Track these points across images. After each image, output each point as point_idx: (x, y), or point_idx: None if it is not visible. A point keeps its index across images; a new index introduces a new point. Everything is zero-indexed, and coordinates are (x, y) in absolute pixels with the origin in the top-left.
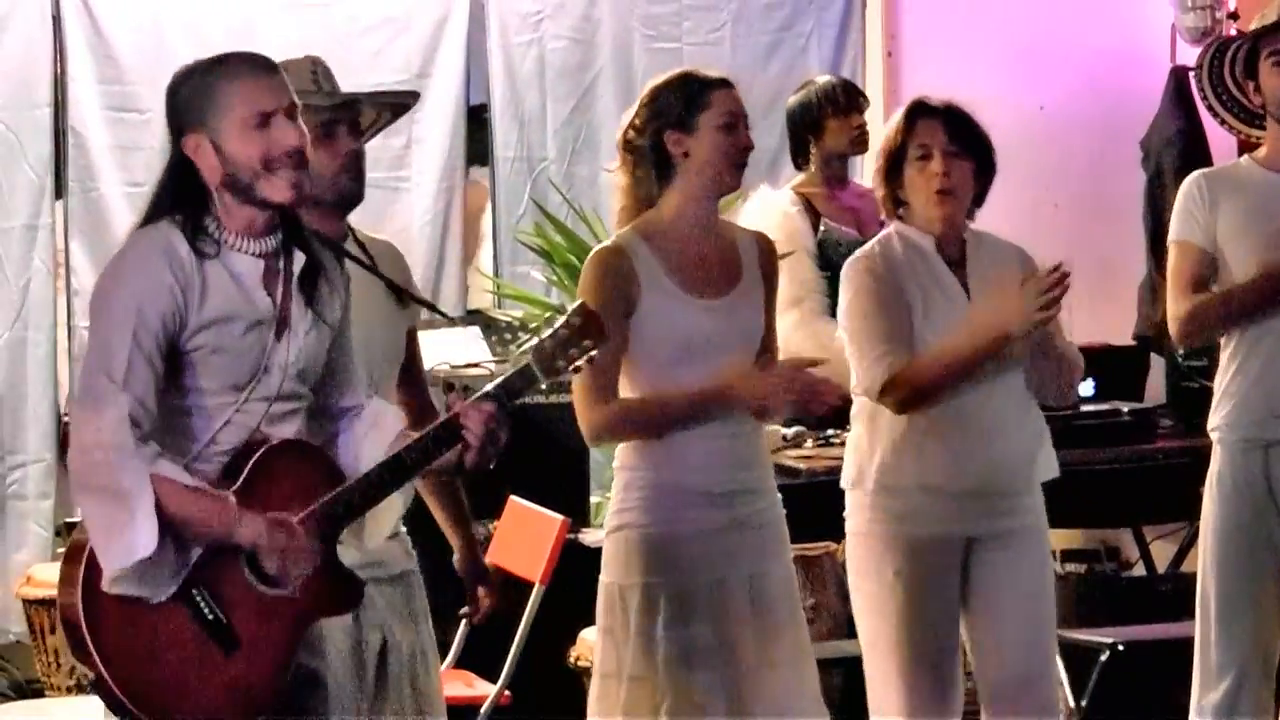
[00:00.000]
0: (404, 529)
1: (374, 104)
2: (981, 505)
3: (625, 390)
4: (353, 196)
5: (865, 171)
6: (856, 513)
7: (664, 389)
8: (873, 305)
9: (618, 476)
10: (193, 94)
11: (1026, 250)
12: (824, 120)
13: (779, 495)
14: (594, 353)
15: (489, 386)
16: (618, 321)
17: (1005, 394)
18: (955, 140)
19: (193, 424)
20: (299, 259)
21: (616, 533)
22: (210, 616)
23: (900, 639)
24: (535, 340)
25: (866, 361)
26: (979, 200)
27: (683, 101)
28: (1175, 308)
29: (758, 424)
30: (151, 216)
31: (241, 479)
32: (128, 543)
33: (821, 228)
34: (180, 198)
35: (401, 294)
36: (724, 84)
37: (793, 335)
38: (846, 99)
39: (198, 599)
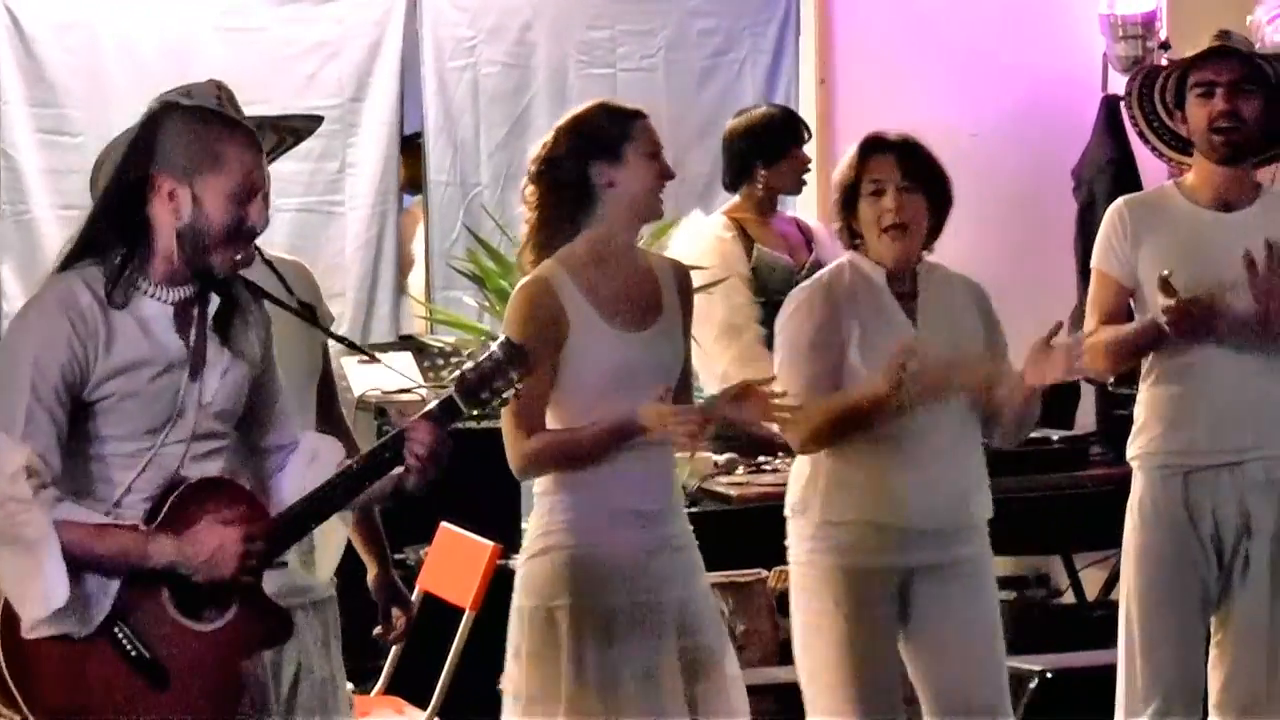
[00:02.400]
0: None
1: (275, 128)
2: (921, 539)
3: (553, 421)
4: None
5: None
6: (798, 542)
7: (591, 420)
8: (802, 341)
9: (540, 501)
10: (186, 139)
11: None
12: (782, 152)
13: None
14: (518, 385)
15: (417, 417)
16: (545, 355)
17: (948, 429)
18: (908, 175)
19: (110, 471)
20: (214, 299)
21: (542, 555)
22: (134, 653)
23: (839, 669)
24: (462, 371)
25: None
26: (935, 232)
27: (609, 132)
28: (1088, 333)
29: (672, 447)
30: (71, 259)
31: (160, 518)
32: (40, 593)
33: (755, 253)
34: (111, 233)
35: (313, 311)
36: (642, 115)
37: (732, 370)
38: (801, 135)
39: (120, 636)
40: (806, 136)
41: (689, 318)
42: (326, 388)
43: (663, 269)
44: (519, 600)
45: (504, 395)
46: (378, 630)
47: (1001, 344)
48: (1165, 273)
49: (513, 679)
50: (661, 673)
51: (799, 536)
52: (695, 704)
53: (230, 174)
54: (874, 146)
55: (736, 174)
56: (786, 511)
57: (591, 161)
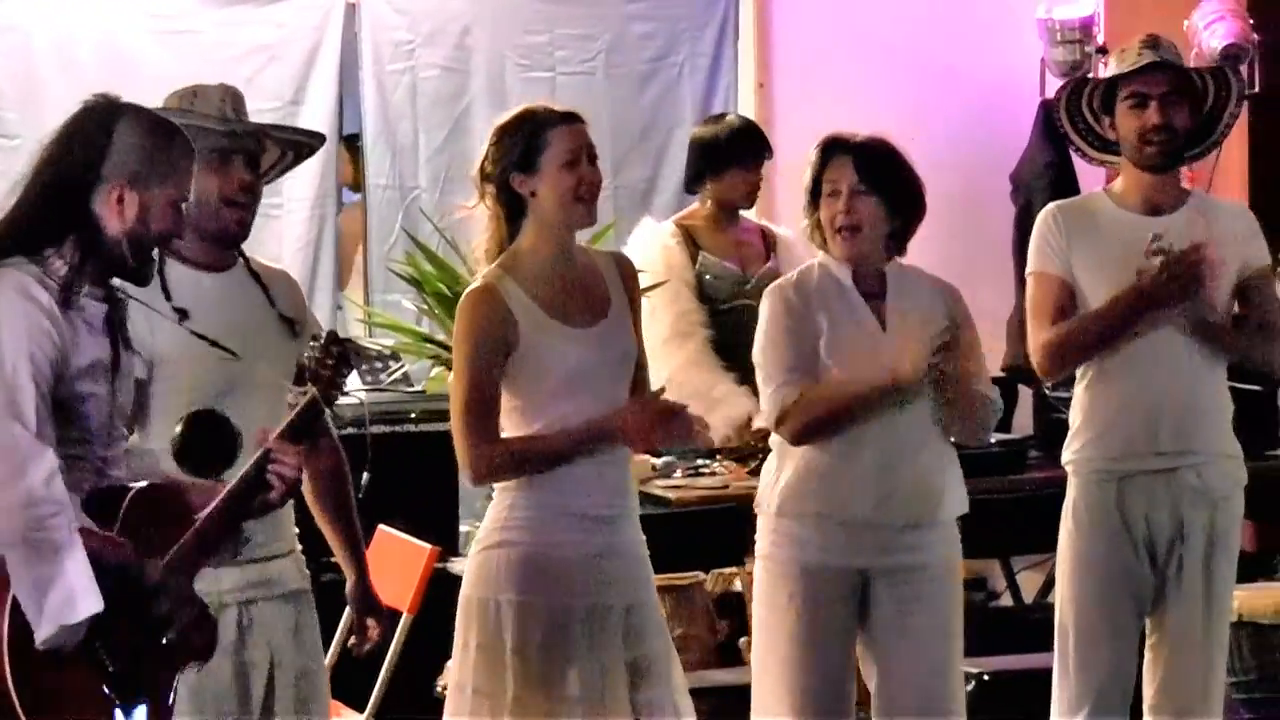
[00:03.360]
0: (299, 547)
1: (278, 142)
2: (876, 537)
3: (508, 424)
4: (230, 234)
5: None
6: (760, 537)
7: (549, 421)
8: (779, 334)
9: (500, 495)
10: (145, 146)
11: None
12: (728, 165)
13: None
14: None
15: (285, 425)
16: (497, 361)
17: (908, 427)
18: (865, 178)
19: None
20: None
21: (495, 549)
22: (111, 669)
23: (785, 665)
24: (310, 371)
25: (768, 390)
26: (902, 236)
27: (523, 143)
28: (1035, 338)
29: (629, 452)
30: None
31: (117, 525)
32: (62, 600)
33: (700, 260)
34: (48, 229)
35: (292, 324)
36: (565, 120)
37: (679, 375)
38: (754, 151)
39: (99, 650)
40: (765, 155)
41: (637, 308)
42: None
43: (605, 263)
44: (467, 590)
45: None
46: (352, 640)
47: (972, 343)
48: (1158, 232)
49: (459, 669)
50: (606, 677)
51: (761, 531)
52: (639, 711)
53: (179, 183)
54: (834, 148)
55: (690, 180)
56: (755, 506)
57: (511, 172)
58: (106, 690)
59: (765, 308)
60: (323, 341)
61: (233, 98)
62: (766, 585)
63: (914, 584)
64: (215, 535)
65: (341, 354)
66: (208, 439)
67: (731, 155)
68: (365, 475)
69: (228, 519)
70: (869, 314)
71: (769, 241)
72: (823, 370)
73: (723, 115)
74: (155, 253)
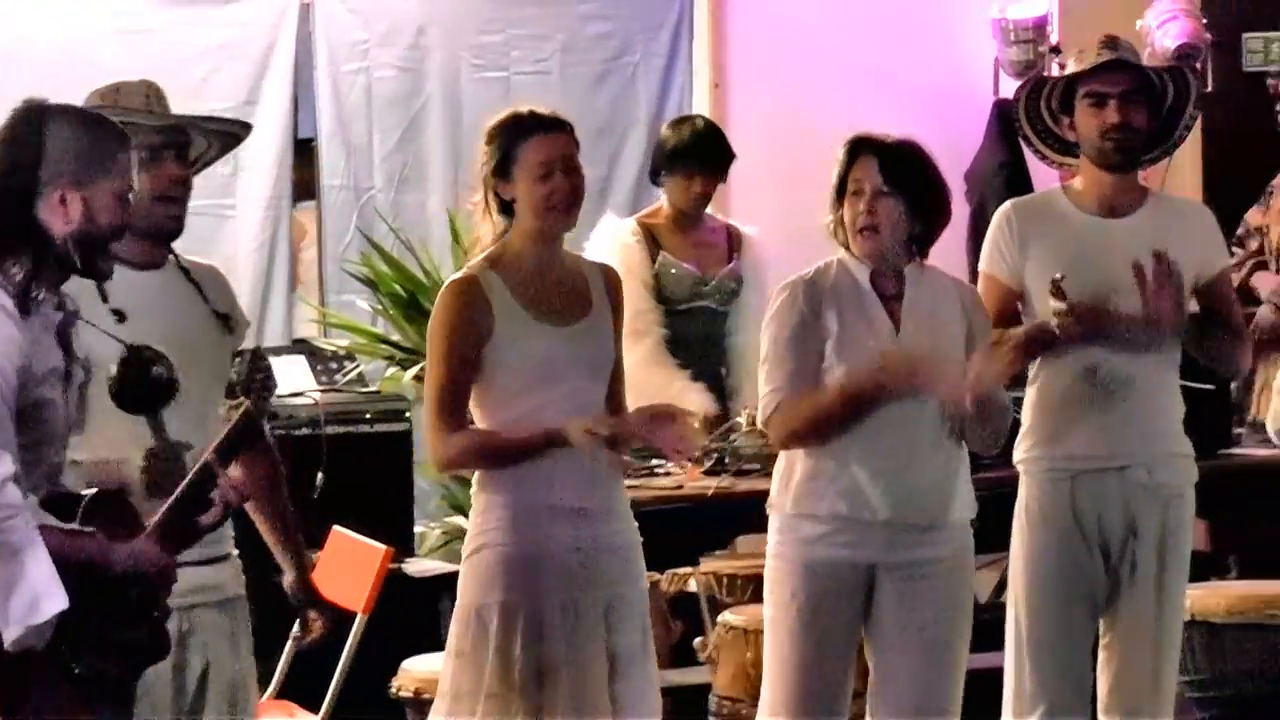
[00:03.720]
0: (235, 552)
1: (203, 132)
2: (886, 536)
3: (478, 415)
4: (167, 230)
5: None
6: (772, 535)
7: (519, 413)
8: (783, 336)
9: (476, 499)
10: (78, 144)
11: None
12: (672, 171)
13: (634, 520)
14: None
15: (221, 439)
16: (472, 350)
17: (918, 427)
18: (889, 180)
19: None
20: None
21: (476, 555)
22: (77, 670)
23: (785, 663)
24: (241, 384)
25: (765, 390)
26: (925, 239)
27: (499, 152)
28: None
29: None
30: None
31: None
32: (27, 601)
33: (659, 260)
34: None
35: (226, 319)
36: (542, 128)
37: (634, 374)
38: (701, 162)
39: (63, 651)
40: (719, 164)
41: (619, 320)
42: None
43: (592, 272)
44: (459, 600)
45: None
46: (295, 634)
47: (985, 342)
48: (1058, 276)
49: (445, 676)
50: (588, 671)
51: (771, 530)
52: (615, 701)
53: (121, 175)
54: (860, 147)
55: (651, 175)
56: (768, 508)
57: (494, 177)
58: (76, 690)
59: (776, 304)
60: (248, 358)
61: (155, 92)
62: (773, 583)
63: (920, 582)
64: (168, 541)
65: (268, 366)
66: (143, 376)
67: (676, 162)
68: (320, 476)
69: (174, 528)
70: (883, 314)
71: (734, 240)
72: (830, 370)
73: (690, 118)
74: (111, 247)
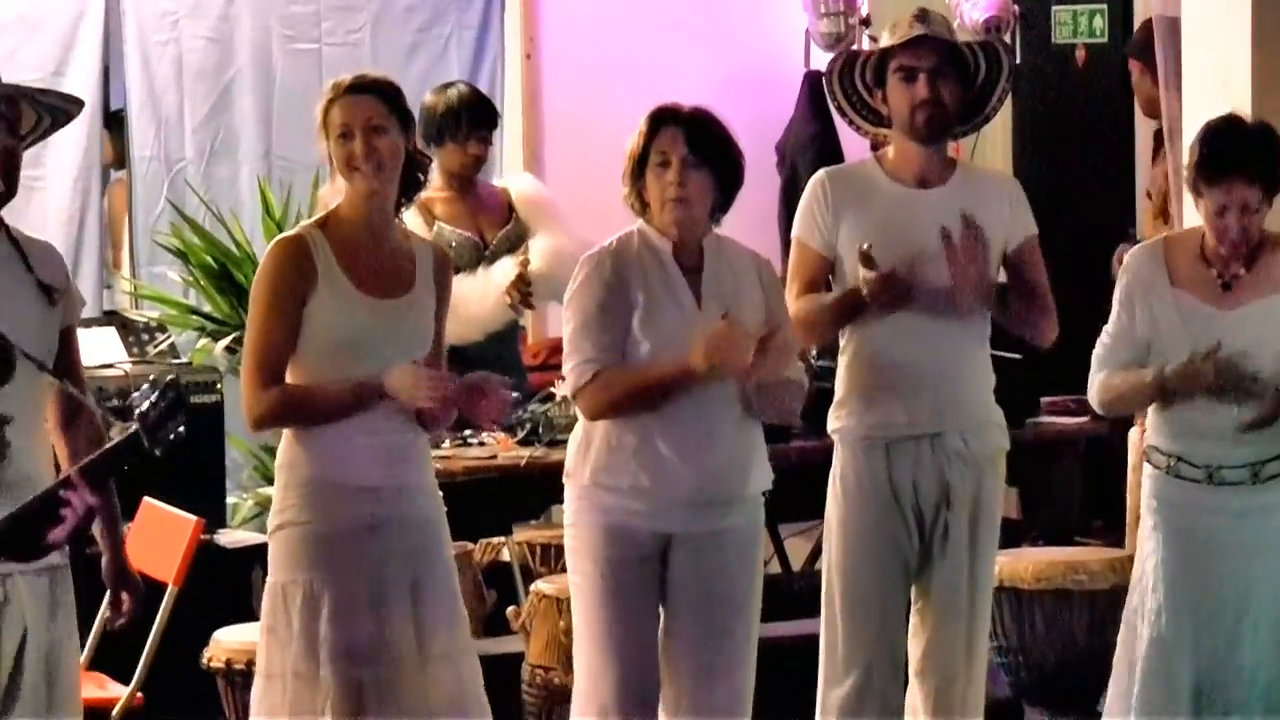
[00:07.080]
0: None
1: (35, 105)
2: (687, 509)
3: (291, 376)
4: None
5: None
6: (569, 504)
7: (328, 380)
8: (592, 308)
9: (278, 476)
10: None
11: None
12: (443, 139)
13: (440, 494)
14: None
15: (94, 456)
16: (291, 309)
17: (721, 404)
18: (695, 150)
19: None
20: None
21: (279, 531)
22: None
23: (594, 626)
24: (140, 410)
25: (572, 362)
26: (722, 208)
27: (320, 115)
28: (790, 304)
29: (411, 421)
30: None
31: None
32: None
33: (435, 230)
34: None
35: (50, 290)
36: (349, 91)
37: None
38: (470, 125)
39: None
40: (487, 128)
41: (444, 302)
42: (68, 370)
43: (422, 250)
44: (269, 576)
45: (180, 430)
46: (106, 615)
47: (781, 314)
48: (865, 245)
49: (260, 653)
50: (391, 648)
51: (569, 499)
52: (426, 678)
53: None
54: (663, 119)
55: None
56: (564, 475)
57: (323, 142)
58: None
59: (581, 277)
60: (161, 389)
61: None
62: (575, 552)
63: (715, 551)
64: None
65: (175, 400)
66: None
67: (444, 128)
68: None
69: (21, 532)
70: (686, 290)
71: (507, 199)
72: (635, 344)
73: (451, 84)
74: None
